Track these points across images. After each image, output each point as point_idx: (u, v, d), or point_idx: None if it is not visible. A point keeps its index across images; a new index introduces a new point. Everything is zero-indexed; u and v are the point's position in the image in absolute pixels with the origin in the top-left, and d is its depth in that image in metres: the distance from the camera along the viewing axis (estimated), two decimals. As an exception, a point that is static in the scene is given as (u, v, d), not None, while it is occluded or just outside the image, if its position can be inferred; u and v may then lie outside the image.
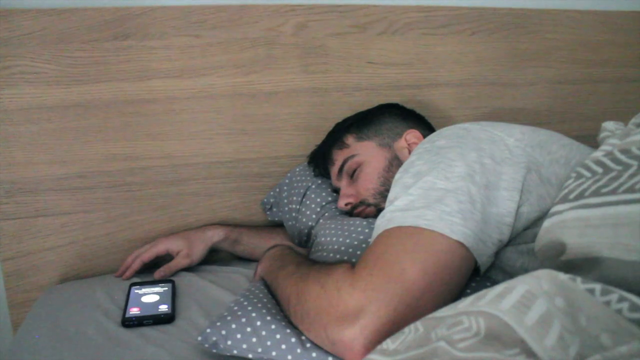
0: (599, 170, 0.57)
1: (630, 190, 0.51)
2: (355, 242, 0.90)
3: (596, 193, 0.54)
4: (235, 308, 0.81)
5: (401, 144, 1.05)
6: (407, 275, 0.63)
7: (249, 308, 0.80)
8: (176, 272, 1.12)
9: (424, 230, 0.66)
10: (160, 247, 1.14)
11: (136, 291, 1.01)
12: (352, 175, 1.05)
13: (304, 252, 1.04)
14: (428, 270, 0.64)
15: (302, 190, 1.14)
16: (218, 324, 0.78)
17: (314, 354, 0.71)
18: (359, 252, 0.88)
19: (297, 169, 1.21)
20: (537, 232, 0.70)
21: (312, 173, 1.18)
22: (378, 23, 1.27)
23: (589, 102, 1.48)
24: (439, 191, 0.69)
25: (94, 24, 1.10)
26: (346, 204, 1.05)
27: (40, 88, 1.09)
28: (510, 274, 0.73)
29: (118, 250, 1.20)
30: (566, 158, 0.77)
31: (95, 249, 1.19)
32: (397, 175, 0.77)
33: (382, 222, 0.71)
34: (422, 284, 0.63)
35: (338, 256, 0.88)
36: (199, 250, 1.16)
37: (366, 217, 1.03)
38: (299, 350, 0.72)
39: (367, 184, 1.03)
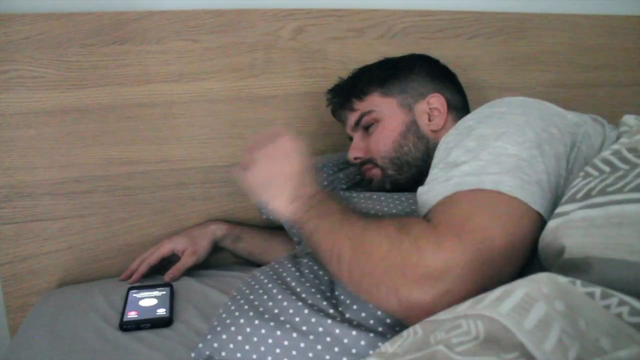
0: (607, 169, 0.57)
1: (636, 189, 0.50)
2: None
3: (602, 192, 0.53)
4: (224, 315, 0.79)
5: (423, 107, 1.01)
6: (496, 244, 0.59)
7: (237, 314, 0.77)
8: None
9: (509, 197, 0.62)
10: (165, 249, 1.13)
11: (134, 295, 1.01)
12: (368, 128, 1.03)
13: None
14: (515, 242, 0.61)
15: None
16: (209, 337, 0.77)
17: (310, 354, 0.70)
18: None
19: None
20: None
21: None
22: (376, 27, 1.27)
23: (586, 106, 1.47)
24: (512, 158, 0.65)
25: (92, 29, 1.10)
26: (355, 158, 1.04)
27: (38, 92, 1.09)
28: None
29: (116, 255, 1.20)
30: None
31: (93, 254, 1.19)
32: (449, 138, 0.74)
33: (447, 186, 0.66)
34: (508, 254, 0.60)
35: None
36: (203, 246, 1.15)
37: (371, 178, 1.03)
38: (294, 353, 0.71)
39: (380, 146, 1.00)
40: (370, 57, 1.23)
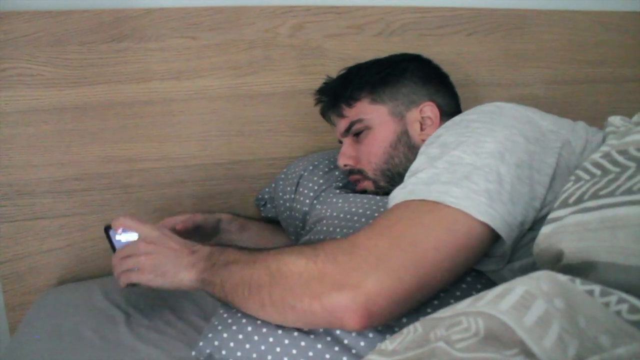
0: (598, 172, 0.56)
1: (628, 191, 0.50)
2: (359, 217, 0.88)
3: (595, 196, 0.53)
4: (225, 315, 0.78)
5: (415, 115, 0.98)
6: (417, 247, 0.61)
7: (239, 314, 0.77)
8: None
9: (448, 207, 0.63)
10: (198, 218, 1.09)
11: (117, 237, 0.93)
12: (358, 135, 1.01)
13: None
14: (441, 248, 0.62)
15: (295, 180, 1.13)
16: (210, 335, 0.76)
17: (310, 354, 0.70)
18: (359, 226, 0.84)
19: (292, 164, 1.20)
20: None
21: (319, 110, 1.11)
22: (375, 24, 1.27)
23: (586, 103, 1.48)
24: (467, 167, 0.67)
25: (91, 26, 1.10)
26: (345, 165, 1.03)
27: (37, 90, 1.09)
28: None
29: (115, 253, 1.20)
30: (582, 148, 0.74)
31: (92, 251, 1.19)
32: (422, 149, 0.75)
33: (402, 193, 0.68)
34: (432, 258, 0.61)
35: (344, 230, 0.85)
36: (209, 218, 1.12)
37: (364, 190, 1.02)
38: (294, 351, 0.71)
39: (371, 157, 0.99)
40: (369, 54, 1.23)
